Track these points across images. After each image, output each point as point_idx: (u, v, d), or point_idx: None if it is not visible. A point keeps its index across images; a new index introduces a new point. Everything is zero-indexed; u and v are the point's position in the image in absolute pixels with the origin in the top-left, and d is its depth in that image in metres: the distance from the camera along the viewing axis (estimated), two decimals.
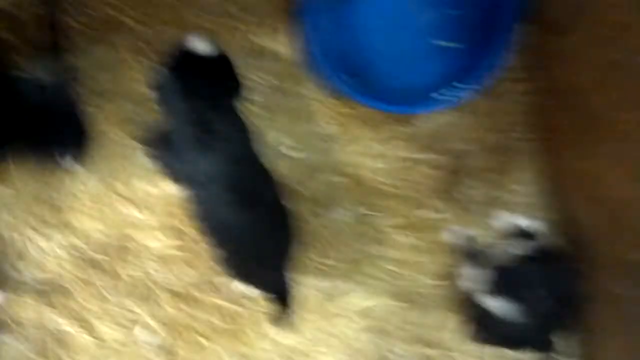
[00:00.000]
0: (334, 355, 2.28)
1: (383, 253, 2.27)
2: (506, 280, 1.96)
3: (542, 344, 2.22)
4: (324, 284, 2.27)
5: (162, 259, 2.22)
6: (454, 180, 2.26)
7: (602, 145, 1.77)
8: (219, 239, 1.96)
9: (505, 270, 1.98)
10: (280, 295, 2.05)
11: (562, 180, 2.09)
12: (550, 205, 2.22)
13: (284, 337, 2.26)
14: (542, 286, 1.94)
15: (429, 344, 2.30)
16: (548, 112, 2.11)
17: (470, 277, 2.03)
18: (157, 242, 2.21)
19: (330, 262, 2.27)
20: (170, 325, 2.22)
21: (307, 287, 2.26)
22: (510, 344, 2.17)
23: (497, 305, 1.96)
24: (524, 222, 2.14)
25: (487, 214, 2.25)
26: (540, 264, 1.95)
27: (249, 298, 2.23)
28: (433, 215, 2.27)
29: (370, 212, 2.27)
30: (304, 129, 2.25)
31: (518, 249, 2.02)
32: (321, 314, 2.27)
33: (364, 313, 2.28)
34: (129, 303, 2.21)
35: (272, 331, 2.26)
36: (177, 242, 2.22)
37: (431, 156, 2.26)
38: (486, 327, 2.09)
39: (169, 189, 2.18)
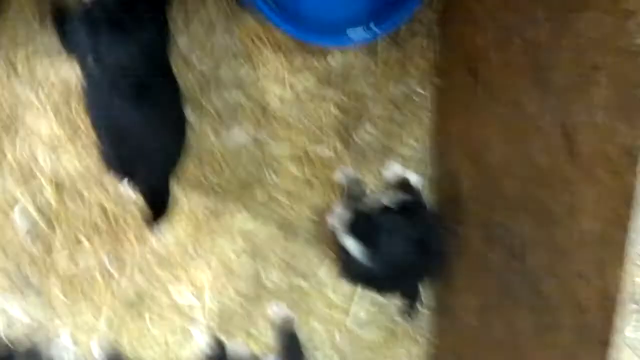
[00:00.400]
0: (209, 272, 2.33)
1: (275, 182, 2.31)
2: (363, 224, 2.03)
3: (407, 292, 2.33)
4: (213, 202, 2.30)
5: (52, 148, 2.19)
6: (355, 124, 2.30)
7: (488, 109, 1.84)
8: (108, 132, 1.94)
9: (366, 215, 2.06)
10: (159, 199, 2.06)
11: (450, 140, 2.16)
12: (435, 162, 2.31)
13: (164, 247, 2.30)
14: (399, 237, 2.02)
15: (304, 276, 2.39)
16: (447, 71, 2.17)
17: (336, 217, 2.09)
18: (49, 129, 2.18)
19: (222, 182, 2.29)
20: (50, 216, 2.21)
21: (195, 202, 2.29)
22: (373, 287, 2.27)
23: (351, 245, 2.04)
24: (410, 176, 2.22)
25: (381, 162, 2.31)
26: (404, 216, 2.03)
27: (136, 203, 2.24)
28: (330, 153, 2.31)
29: (270, 140, 2.29)
30: (219, 43, 2.22)
31: (389, 199, 2.10)
32: (205, 231, 2.31)
33: (247, 237, 2.33)
34: (10, 185, 2.18)
35: (153, 240, 2.29)
36: (70, 133, 2.19)
37: (339, 95, 2.28)
38: (348, 266, 2.17)
39: (70, 77, 2.14)
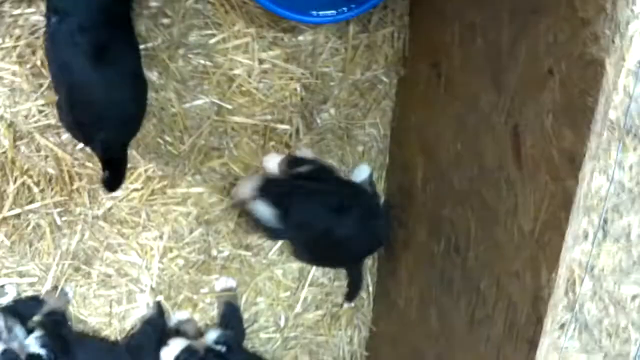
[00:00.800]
0: (160, 239, 2.33)
1: (232, 152, 2.31)
2: (275, 187, 2.09)
3: (349, 271, 2.38)
4: (170, 168, 2.29)
5: (12, 90, 2.15)
6: (318, 106, 2.31)
7: (446, 104, 1.87)
8: (66, 91, 1.92)
9: (277, 181, 2.12)
10: (116, 166, 2.05)
11: (409, 131, 2.19)
12: (393, 153, 2.34)
13: (116, 209, 2.29)
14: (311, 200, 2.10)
15: (254, 252, 2.41)
16: (412, 62, 2.20)
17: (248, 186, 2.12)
18: (9, 71, 2.13)
19: (181, 148, 2.28)
20: (2, 158, 2.17)
21: (152, 167, 2.27)
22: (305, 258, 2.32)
23: (261, 211, 2.08)
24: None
25: (339, 147, 2.33)
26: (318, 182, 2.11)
27: (93, 163, 2.22)
28: (290, 130, 2.31)
29: (232, 110, 2.28)
30: (192, 8, 2.20)
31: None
32: (159, 197, 2.30)
33: (201, 206, 2.34)
34: None
35: (106, 201, 2.28)
36: (34, 80, 2.14)
37: (306, 75, 2.28)
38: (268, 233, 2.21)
39: (35, 19, 2.09)
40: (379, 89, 2.31)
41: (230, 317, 2.36)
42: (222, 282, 2.40)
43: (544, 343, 1.47)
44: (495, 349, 1.63)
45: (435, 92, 1.95)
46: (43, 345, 2.09)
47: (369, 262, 2.47)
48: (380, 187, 2.38)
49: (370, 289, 2.51)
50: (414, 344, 2.16)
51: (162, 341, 2.24)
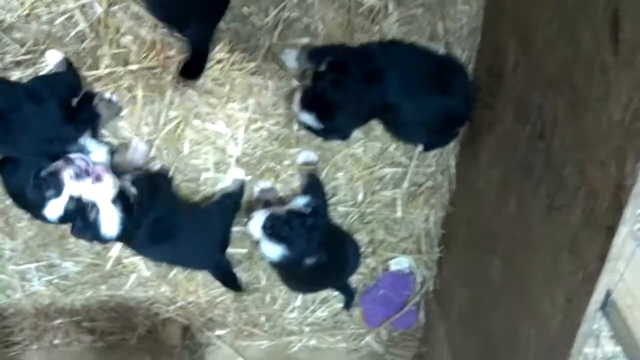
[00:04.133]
0: (246, 109, 2.45)
1: (317, 27, 2.33)
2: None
3: None
4: (252, 40, 2.34)
5: None
6: None
7: None
8: None
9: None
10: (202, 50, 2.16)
11: (502, 14, 2.14)
12: (484, 35, 2.32)
13: (205, 78, 2.39)
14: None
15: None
16: None
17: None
18: None
19: (266, 20, 2.31)
20: (98, 28, 2.29)
21: (236, 39, 2.33)
22: None
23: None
24: None
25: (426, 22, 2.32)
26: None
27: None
28: (374, 3, 2.29)
29: None
30: None
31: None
32: (240, 69, 2.38)
33: (282, 80, 2.41)
34: None
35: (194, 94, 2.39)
36: None
37: None
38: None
39: None
40: None
41: (314, 187, 2.51)
42: (304, 156, 2.53)
43: (622, 231, 1.53)
44: (571, 235, 1.70)
45: None
46: (134, 184, 2.24)
47: (451, 145, 2.53)
48: (469, 68, 2.38)
49: (451, 170, 2.59)
50: (489, 226, 2.26)
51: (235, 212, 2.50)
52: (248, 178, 2.55)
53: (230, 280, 2.67)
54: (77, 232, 2.14)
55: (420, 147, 2.49)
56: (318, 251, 2.30)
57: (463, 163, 2.53)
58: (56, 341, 2.91)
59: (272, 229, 2.28)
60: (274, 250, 2.30)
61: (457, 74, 2.29)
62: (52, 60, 2.25)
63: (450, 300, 2.63)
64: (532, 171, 1.91)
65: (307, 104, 2.20)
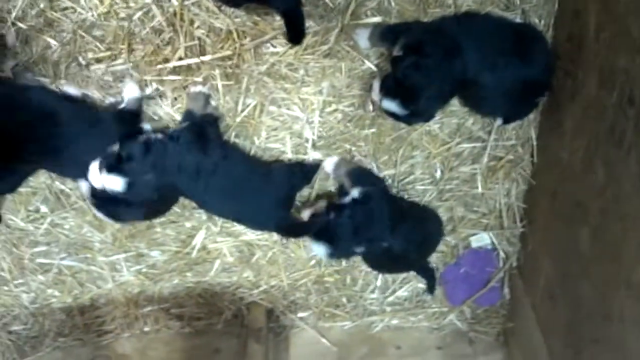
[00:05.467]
0: (320, 93, 2.50)
1: (390, 4, 2.36)
2: None
3: None
4: (324, 22, 2.37)
5: None
6: None
7: None
8: None
9: None
10: (294, 13, 2.18)
11: None
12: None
13: (280, 65, 2.45)
14: None
15: None
16: None
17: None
18: None
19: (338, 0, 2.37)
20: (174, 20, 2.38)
21: (309, 22, 2.36)
22: None
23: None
24: None
25: None
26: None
27: (258, 22, 2.37)
28: None
29: None
30: None
31: None
32: (313, 52, 2.42)
33: (354, 61, 2.46)
34: None
35: (268, 55, 2.44)
36: None
37: None
38: None
39: None
40: None
41: (358, 178, 2.51)
42: (330, 164, 2.59)
43: None
44: None
45: None
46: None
47: (531, 116, 2.52)
48: (547, 36, 2.35)
49: (532, 142, 2.57)
50: (576, 197, 2.24)
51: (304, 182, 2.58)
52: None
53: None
54: None
55: (499, 121, 2.48)
56: (387, 234, 2.36)
57: (545, 134, 2.51)
58: (146, 328, 3.06)
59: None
60: (320, 250, 2.37)
61: (536, 42, 2.27)
62: (128, 93, 2.38)
63: (536, 274, 2.63)
64: (622, 138, 1.89)
65: (389, 91, 2.22)
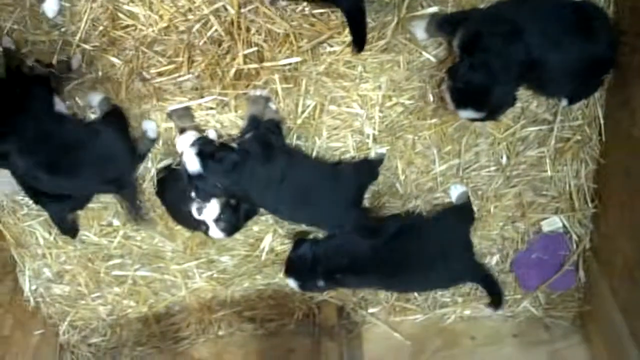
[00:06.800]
0: (379, 88, 2.53)
1: None
2: None
3: None
4: (380, 16, 2.40)
5: None
6: None
7: None
8: None
9: None
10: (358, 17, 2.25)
11: None
12: None
13: (337, 63, 2.48)
14: None
15: None
16: None
17: None
18: None
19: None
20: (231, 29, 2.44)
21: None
22: None
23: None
24: None
25: None
26: None
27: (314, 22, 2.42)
28: None
29: None
30: None
31: None
32: (370, 48, 2.45)
33: (411, 53, 2.48)
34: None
35: (326, 55, 2.48)
36: None
37: None
38: None
39: None
40: None
41: None
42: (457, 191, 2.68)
43: None
44: None
45: None
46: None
47: (597, 95, 2.50)
48: (609, 12, 2.34)
49: (600, 121, 2.56)
50: None
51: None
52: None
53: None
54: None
55: (564, 101, 2.46)
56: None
57: (613, 112, 2.48)
58: (220, 332, 3.14)
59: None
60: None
61: (598, 19, 2.25)
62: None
63: (613, 255, 2.61)
64: None
65: (459, 102, 2.26)
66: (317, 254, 2.60)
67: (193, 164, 2.29)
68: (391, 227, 2.57)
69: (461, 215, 2.69)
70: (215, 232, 2.51)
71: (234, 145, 2.40)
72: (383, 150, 2.62)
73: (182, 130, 2.51)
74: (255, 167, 2.35)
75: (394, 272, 2.62)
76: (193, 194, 2.35)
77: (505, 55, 2.16)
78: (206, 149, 2.31)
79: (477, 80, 2.18)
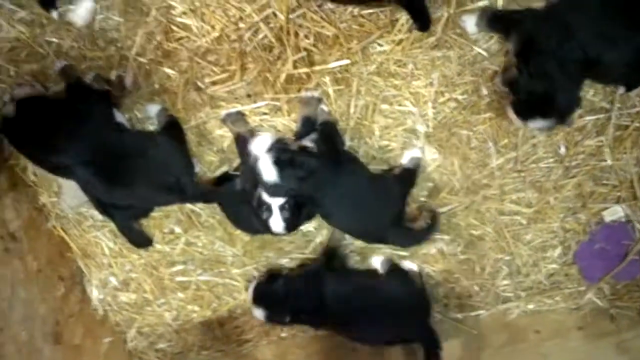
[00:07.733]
0: (431, 85, 2.55)
1: None
2: None
3: None
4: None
5: None
6: None
7: None
8: None
9: None
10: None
11: None
12: None
13: (388, 62, 2.51)
14: None
15: None
16: None
17: None
18: None
19: None
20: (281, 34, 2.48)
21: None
22: None
23: None
24: None
25: None
26: None
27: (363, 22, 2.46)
28: None
29: None
30: None
31: None
32: (420, 45, 2.47)
33: (462, 48, 2.49)
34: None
35: (376, 54, 2.51)
36: None
37: None
38: None
39: None
40: None
41: None
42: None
43: None
44: None
45: None
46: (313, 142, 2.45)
47: None
48: None
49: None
50: None
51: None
52: (435, 156, 2.67)
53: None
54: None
55: (621, 89, 2.43)
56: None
57: None
58: (283, 334, 3.20)
59: None
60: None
61: None
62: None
63: None
64: None
65: (525, 115, 2.26)
66: (289, 293, 2.69)
67: (270, 174, 2.30)
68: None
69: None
70: (277, 221, 2.47)
71: (309, 144, 2.43)
72: (434, 150, 2.63)
73: (237, 136, 2.56)
74: (326, 171, 2.38)
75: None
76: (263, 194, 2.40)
77: (561, 57, 2.14)
78: (283, 156, 2.31)
79: (539, 88, 2.18)
